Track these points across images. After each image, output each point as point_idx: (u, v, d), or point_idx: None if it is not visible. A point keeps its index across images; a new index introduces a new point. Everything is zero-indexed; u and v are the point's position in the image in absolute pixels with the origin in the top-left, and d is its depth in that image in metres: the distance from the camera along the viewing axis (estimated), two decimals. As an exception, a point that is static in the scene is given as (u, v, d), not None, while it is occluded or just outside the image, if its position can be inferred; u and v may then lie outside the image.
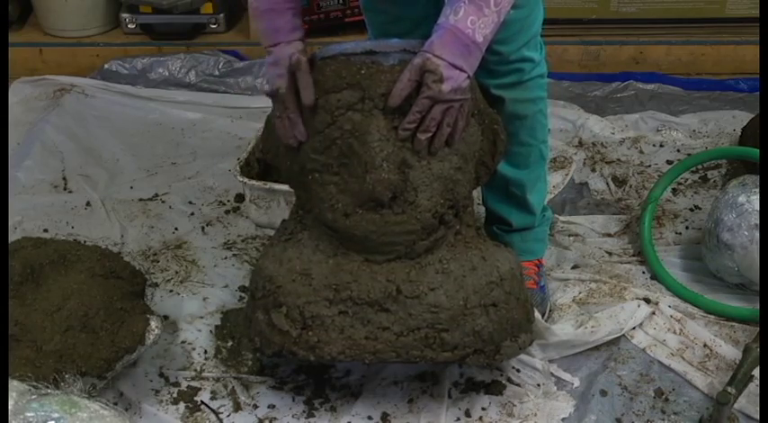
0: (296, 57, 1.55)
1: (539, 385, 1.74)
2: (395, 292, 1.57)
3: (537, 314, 1.81)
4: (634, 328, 1.88)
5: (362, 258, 1.60)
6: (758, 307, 1.89)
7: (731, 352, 1.82)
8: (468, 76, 1.49)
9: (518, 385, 1.74)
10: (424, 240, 1.59)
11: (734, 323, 1.91)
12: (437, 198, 1.58)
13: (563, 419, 1.69)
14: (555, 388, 1.75)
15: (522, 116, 1.81)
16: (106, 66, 2.96)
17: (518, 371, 1.77)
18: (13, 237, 1.98)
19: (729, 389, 1.63)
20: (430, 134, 1.51)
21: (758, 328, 1.79)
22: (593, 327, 1.85)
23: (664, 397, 1.74)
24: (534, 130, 1.86)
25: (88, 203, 2.32)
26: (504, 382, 1.75)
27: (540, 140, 1.89)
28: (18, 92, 2.82)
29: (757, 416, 1.68)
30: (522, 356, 1.76)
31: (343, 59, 1.55)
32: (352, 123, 1.53)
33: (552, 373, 1.78)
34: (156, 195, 2.37)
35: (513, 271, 1.66)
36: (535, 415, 1.69)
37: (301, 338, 1.58)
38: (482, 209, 1.98)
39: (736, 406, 1.66)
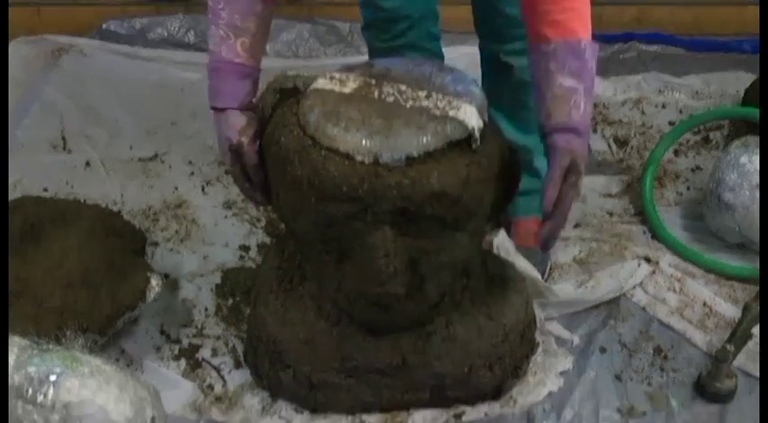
0: (236, 140, 1.47)
1: (538, 343, 1.75)
2: (400, 363, 1.56)
3: (537, 274, 1.81)
4: (634, 286, 1.89)
5: (367, 329, 1.56)
6: (758, 266, 1.89)
7: (731, 310, 1.83)
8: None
9: (518, 343, 1.75)
10: (429, 314, 1.55)
11: (734, 282, 1.91)
12: (447, 280, 1.51)
13: (561, 373, 1.69)
14: (555, 345, 1.75)
15: (530, 82, 1.79)
16: (104, 26, 2.93)
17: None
18: (12, 195, 1.98)
19: (728, 346, 1.64)
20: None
21: (758, 287, 1.80)
22: (593, 286, 1.85)
23: (663, 354, 1.75)
24: None
25: (88, 163, 2.31)
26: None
27: None
28: (16, 51, 2.80)
29: (756, 372, 1.69)
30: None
31: (342, 164, 1.34)
32: (354, 231, 1.39)
33: (551, 331, 1.78)
34: (156, 155, 2.36)
35: (520, 318, 1.64)
36: (534, 373, 1.69)
37: (310, 397, 1.61)
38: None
39: (734, 363, 1.67)
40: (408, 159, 1.34)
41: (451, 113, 1.38)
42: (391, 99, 1.41)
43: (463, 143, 1.38)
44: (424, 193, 1.34)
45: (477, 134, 1.38)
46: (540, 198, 1.95)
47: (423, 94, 1.42)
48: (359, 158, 1.34)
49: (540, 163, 1.92)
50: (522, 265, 1.80)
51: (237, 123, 1.48)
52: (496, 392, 1.64)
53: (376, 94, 1.42)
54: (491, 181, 1.44)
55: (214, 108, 1.50)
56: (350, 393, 1.59)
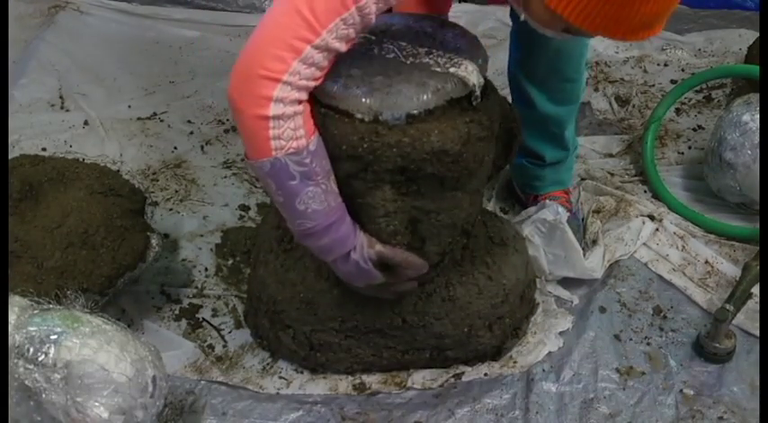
0: (374, 254, 1.40)
1: (538, 303, 1.75)
2: (400, 323, 1.56)
3: (579, 251, 1.76)
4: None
5: None
6: (758, 226, 1.88)
7: (731, 270, 1.83)
8: None
9: (517, 303, 1.75)
10: (429, 274, 1.54)
11: (734, 242, 1.91)
12: (446, 240, 1.49)
13: (560, 333, 1.70)
14: (554, 306, 1.76)
15: (570, 53, 1.76)
16: (100, -19, 2.90)
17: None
18: (10, 155, 1.96)
19: (728, 306, 1.64)
20: None
21: (758, 247, 1.79)
22: (608, 260, 1.84)
23: (662, 314, 1.75)
24: (579, 65, 1.82)
25: (86, 122, 2.30)
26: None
27: (582, 73, 1.85)
28: (12, 9, 2.76)
29: (754, 331, 1.69)
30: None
31: (341, 122, 1.33)
32: (354, 191, 1.38)
33: (551, 292, 1.79)
34: (155, 114, 2.34)
35: (520, 278, 1.64)
36: (534, 333, 1.70)
37: (310, 357, 1.61)
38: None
39: (734, 322, 1.67)
40: (408, 117, 1.32)
41: (452, 70, 1.36)
42: (391, 56, 1.39)
43: (464, 101, 1.37)
44: (424, 151, 1.33)
45: (477, 91, 1.37)
46: (564, 168, 1.95)
47: (423, 50, 1.40)
48: (358, 116, 1.32)
49: (570, 133, 1.90)
50: (573, 240, 1.76)
51: (366, 242, 1.41)
52: (496, 353, 1.65)
53: (376, 50, 1.40)
54: (491, 139, 1.43)
55: (346, 255, 1.40)
56: (350, 353, 1.60)
